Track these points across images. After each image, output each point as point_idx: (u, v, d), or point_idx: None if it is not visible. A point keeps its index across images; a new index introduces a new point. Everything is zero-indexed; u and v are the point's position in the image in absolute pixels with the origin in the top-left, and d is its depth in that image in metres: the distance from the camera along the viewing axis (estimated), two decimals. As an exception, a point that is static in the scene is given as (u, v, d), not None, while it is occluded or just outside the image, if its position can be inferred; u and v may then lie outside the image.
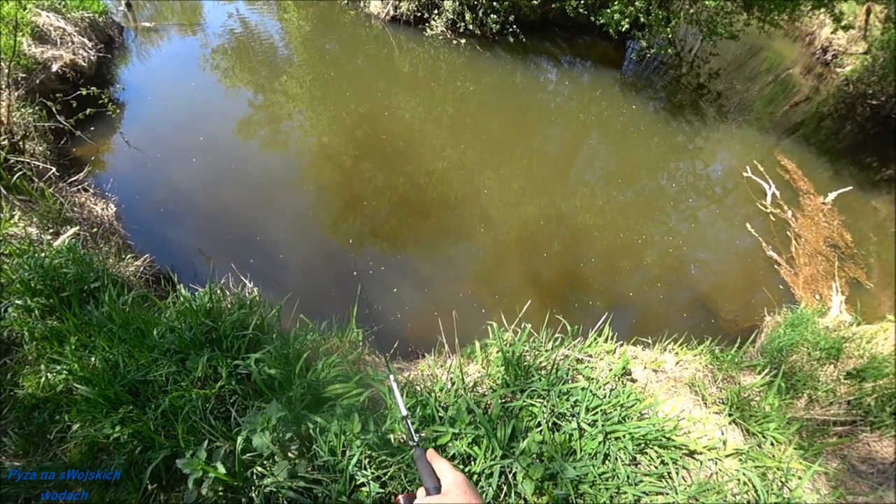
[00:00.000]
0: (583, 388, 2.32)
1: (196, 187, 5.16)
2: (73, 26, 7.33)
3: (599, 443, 2.08)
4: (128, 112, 6.47)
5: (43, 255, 3.11)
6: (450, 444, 1.95)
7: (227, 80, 7.77)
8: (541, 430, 2.09)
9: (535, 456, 1.95)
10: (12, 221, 3.56)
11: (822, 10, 7.15)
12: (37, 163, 4.06)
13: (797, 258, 5.12)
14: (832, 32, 9.47)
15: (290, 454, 1.97)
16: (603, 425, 2.15)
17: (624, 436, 2.13)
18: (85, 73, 6.73)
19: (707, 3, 6.88)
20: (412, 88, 7.91)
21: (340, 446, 1.89)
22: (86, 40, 7.33)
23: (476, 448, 1.95)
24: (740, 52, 9.70)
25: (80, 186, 4.35)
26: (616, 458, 2.07)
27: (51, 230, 3.69)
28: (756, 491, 2.19)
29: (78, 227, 3.79)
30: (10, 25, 5.51)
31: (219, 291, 2.69)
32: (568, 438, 2.08)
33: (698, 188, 6.30)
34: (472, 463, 1.95)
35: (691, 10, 7.52)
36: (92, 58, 7.15)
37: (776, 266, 5.06)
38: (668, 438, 2.25)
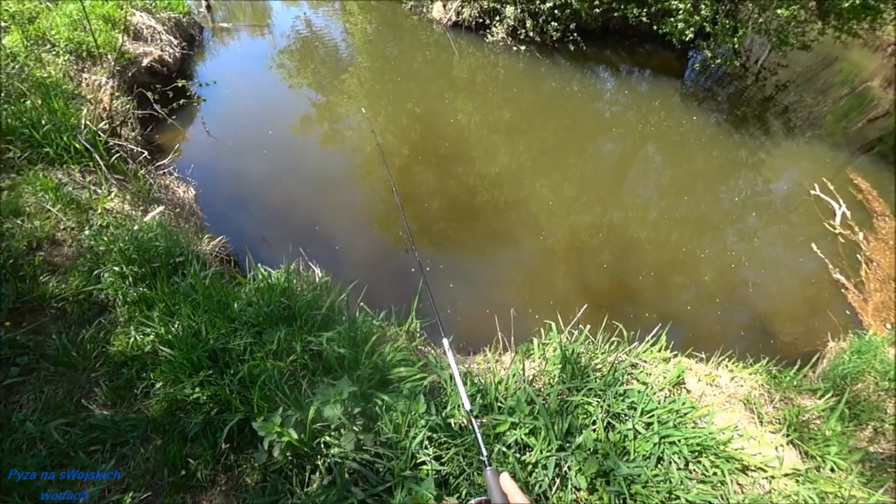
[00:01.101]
0: (639, 391, 2.32)
1: (264, 178, 5.45)
2: (161, 25, 7.90)
3: (654, 445, 2.08)
4: (206, 105, 6.91)
5: (136, 228, 3.41)
6: (508, 433, 2.01)
7: (292, 79, 8.14)
8: (595, 429, 2.12)
9: (589, 452, 1.98)
10: (109, 198, 3.91)
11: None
12: (131, 146, 4.43)
13: (867, 283, 4.83)
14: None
15: (355, 428, 2.09)
16: (658, 429, 2.15)
17: (679, 441, 2.12)
18: (170, 68, 7.24)
19: (779, 11, 6.59)
20: (470, 93, 8.02)
21: (405, 425, 1.99)
22: (172, 38, 7.88)
23: (533, 439, 2.00)
24: (812, 63, 9.21)
25: (165, 170, 4.70)
26: (670, 462, 2.06)
27: (141, 207, 4.02)
28: (815, 513, 2.12)
29: (163, 207, 4.11)
30: (117, 24, 6.04)
31: (293, 273, 2.87)
32: (622, 438, 2.09)
33: (760, 204, 6.06)
34: (529, 452, 2.00)
35: (760, 20, 7.23)
36: (177, 54, 7.68)
37: (843, 290, 4.80)
38: (723, 449, 2.22)
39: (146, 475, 2.38)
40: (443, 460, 1.95)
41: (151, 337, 2.77)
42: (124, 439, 2.52)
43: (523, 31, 8.43)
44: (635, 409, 2.24)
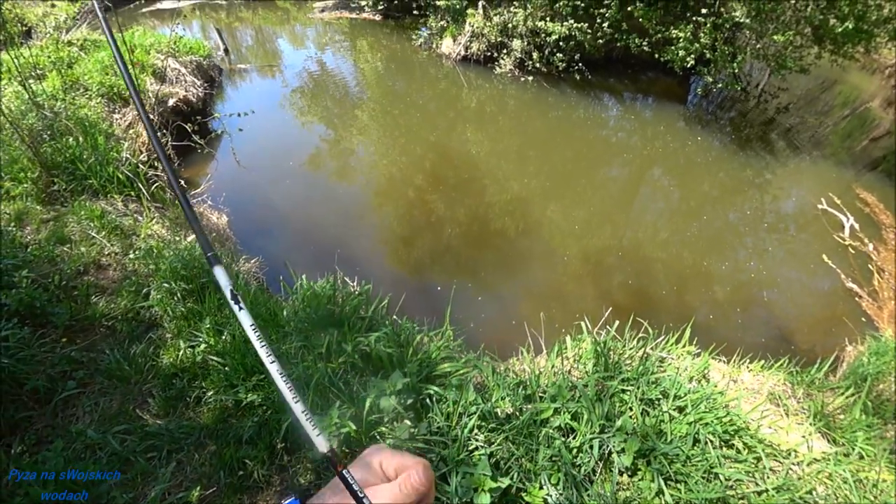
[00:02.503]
0: (670, 379, 2.48)
1: (290, 205, 5.76)
2: (184, 67, 8.44)
3: (689, 426, 2.23)
4: (225, 139, 7.32)
5: (182, 247, 3.67)
6: (552, 418, 2.17)
7: (307, 115, 8.61)
8: (633, 414, 2.28)
9: (629, 433, 2.14)
10: (151, 223, 4.19)
11: (901, 43, 7.08)
12: (167, 177, 4.74)
13: (880, 292, 4.99)
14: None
15: (407, 421, 2.26)
16: (692, 411, 2.30)
17: (712, 422, 2.27)
18: (194, 107, 7.70)
19: (775, 37, 7.01)
20: (480, 123, 8.43)
21: (456, 414, 2.16)
22: (195, 79, 8.40)
23: (576, 423, 2.16)
24: (812, 85, 9.62)
25: (198, 199, 5.01)
26: (706, 443, 2.21)
27: (180, 233, 4.29)
28: (848, 493, 2.24)
29: (200, 232, 4.38)
30: (142, 67, 6.51)
31: (337, 282, 3.09)
32: (658, 422, 2.25)
33: (769, 221, 6.28)
34: (573, 436, 2.15)
35: (758, 45, 7.66)
36: (200, 94, 8.18)
37: (857, 298, 4.95)
38: (755, 432, 2.37)
39: (202, 478, 2.54)
40: (493, 445, 2.11)
41: (202, 348, 2.97)
42: (179, 445, 2.68)
43: (530, 62, 8.93)
44: (667, 396, 2.40)
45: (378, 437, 2.22)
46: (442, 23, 10.25)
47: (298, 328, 2.74)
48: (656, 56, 8.27)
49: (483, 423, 2.18)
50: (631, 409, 2.34)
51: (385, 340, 2.53)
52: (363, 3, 12.63)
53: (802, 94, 9.44)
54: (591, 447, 2.11)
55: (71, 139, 4.74)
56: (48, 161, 4.57)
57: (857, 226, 5.83)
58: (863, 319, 4.76)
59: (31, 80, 5.07)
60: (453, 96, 9.23)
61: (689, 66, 7.87)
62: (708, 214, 6.39)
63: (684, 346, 3.03)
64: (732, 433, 2.36)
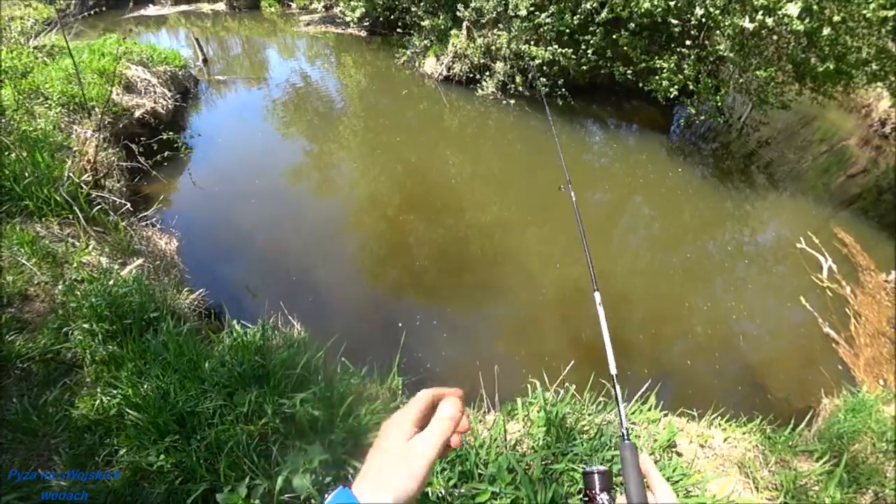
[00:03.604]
0: None
1: (251, 228, 5.50)
2: (156, 78, 8.19)
3: None
4: (195, 155, 7.04)
5: (111, 283, 3.38)
6: (489, 503, 1.94)
7: (286, 129, 8.38)
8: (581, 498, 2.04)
9: None
10: (87, 251, 3.91)
11: (880, 83, 7.12)
12: (114, 198, 4.47)
13: (857, 338, 4.85)
14: (890, 106, 9.34)
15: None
16: None
17: None
18: (162, 119, 7.43)
19: (758, 73, 6.99)
20: (460, 145, 8.27)
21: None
22: (166, 90, 8.15)
23: (514, 511, 1.93)
24: (791, 120, 9.65)
25: (148, 221, 4.73)
26: None
27: (119, 260, 4.01)
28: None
29: (143, 259, 4.10)
30: (106, 77, 6.26)
31: (269, 330, 2.83)
32: None
33: (748, 257, 6.16)
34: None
35: (741, 80, 7.64)
36: (170, 106, 7.93)
37: (834, 345, 4.80)
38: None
39: (100, 555, 2.25)
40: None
41: (118, 399, 2.69)
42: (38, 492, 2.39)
43: (513, 85, 8.83)
44: None
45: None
46: (426, 42, 10.14)
47: (221, 383, 2.48)
48: (640, 85, 8.22)
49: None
50: (580, 491, 2.11)
51: (313, 401, 2.28)
52: (348, 19, 12.51)
53: (783, 128, 9.45)
54: (530, 541, 1.87)
55: (13, 155, 4.46)
56: (-17, 180, 4.28)
57: (834, 267, 5.72)
58: (839, 367, 4.60)
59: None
60: (435, 115, 9.08)
61: (672, 96, 7.82)
62: (688, 247, 6.26)
63: (650, 410, 2.81)
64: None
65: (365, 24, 12.66)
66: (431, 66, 10.05)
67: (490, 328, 4.69)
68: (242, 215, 5.69)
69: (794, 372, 4.62)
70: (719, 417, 3.29)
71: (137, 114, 7.02)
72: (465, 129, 8.85)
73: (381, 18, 12.09)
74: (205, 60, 10.82)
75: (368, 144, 8.05)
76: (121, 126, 6.53)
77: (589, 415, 2.60)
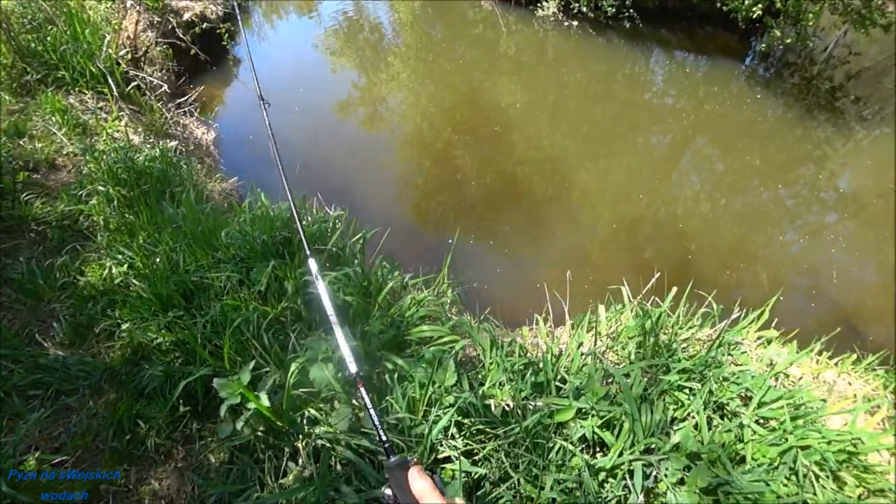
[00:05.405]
0: (753, 377, 1.54)
1: (291, 134, 4.83)
2: (208, -18, 7.41)
3: (782, 451, 1.30)
4: (244, 66, 6.38)
5: (137, 154, 2.83)
6: (572, 423, 1.29)
7: (334, 55, 7.55)
8: (696, 424, 1.36)
9: (692, 456, 1.23)
10: (118, 125, 3.36)
11: None
12: (151, 79, 3.88)
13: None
14: None
15: (354, 401, 1.39)
16: (790, 428, 1.37)
17: (818, 444, 1.34)
18: (212, 23, 6.73)
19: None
20: (516, 72, 7.23)
21: (424, 402, 1.28)
22: (216, -2, 7.39)
23: (609, 434, 1.27)
24: (881, 58, 8.02)
25: (186, 109, 4.14)
26: (805, 475, 1.29)
27: (151, 141, 3.46)
28: None
29: (177, 143, 3.54)
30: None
31: (301, 206, 2.20)
32: (735, 440, 1.33)
33: (835, 196, 5.10)
34: (603, 454, 1.27)
35: (838, -3, 6.12)
36: (219, 12, 7.19)
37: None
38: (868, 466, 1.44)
39: (86, 435, 1.77)
40: (477, 457, 1.24)
41: (125, 267, 2.16)
42: (73, 387, 1.92)
43: (576, 5, 7.57)
44: (748, 401, 1.47)
45: (306, 423, 1.38)
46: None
47: (237, 256, 1.88)
48: (719, 5, 6.82)
49: (464, 421, 1.30)
50: (693, 417, 1.43)
51: (345, 283, 1.65)
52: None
53: (870, 65, 7.84)
54: (631, 473, 1.22)
55: (55, 29, 3.91)
56: (24, 49, 3.76)
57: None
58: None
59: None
60: (490, 41, 7.98)
61: (755, 17, 6.41)
62: (769, 188, 5.22)
63: (761, 330, 2.05)
64: (840, 463, 1.44)
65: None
66: (490, -15, 8.80)
67: (547, 256, 3.94)
68: (286, 123, 5.02)
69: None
70: (825, 351, 2.52)
71: (186, 16, 6.34)
72: (522, 55, 7.72)
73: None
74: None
75: (419, 72, 7.12)
76: (169, 27, 5.88)
77: (689, 328, 1.87)
